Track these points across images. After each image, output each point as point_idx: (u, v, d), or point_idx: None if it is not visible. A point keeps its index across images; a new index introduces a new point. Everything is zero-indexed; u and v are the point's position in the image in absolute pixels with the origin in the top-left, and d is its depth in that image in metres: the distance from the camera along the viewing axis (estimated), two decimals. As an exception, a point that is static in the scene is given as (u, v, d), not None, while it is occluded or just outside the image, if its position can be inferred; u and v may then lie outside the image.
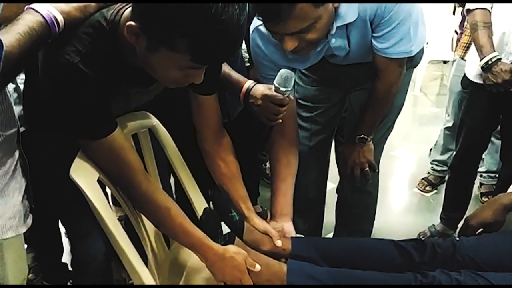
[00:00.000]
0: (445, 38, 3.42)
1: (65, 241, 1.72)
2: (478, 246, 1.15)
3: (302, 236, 1.27)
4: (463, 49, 2.22)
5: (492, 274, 1.04)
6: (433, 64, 4.66)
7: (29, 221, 0.94)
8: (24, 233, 0.94)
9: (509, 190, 1.40)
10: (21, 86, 1.22)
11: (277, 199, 1.28)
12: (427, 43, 4.18)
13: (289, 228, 1.25)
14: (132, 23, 0.80)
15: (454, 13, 3.40)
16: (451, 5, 2.62)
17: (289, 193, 1.28)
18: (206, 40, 0.78)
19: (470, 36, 2.17)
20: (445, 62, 4.76)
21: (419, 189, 2.51)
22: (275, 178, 1.30)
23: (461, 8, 2.56)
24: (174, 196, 1.45)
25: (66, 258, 1.72)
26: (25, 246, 1.76)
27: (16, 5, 0.80)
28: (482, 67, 1.66)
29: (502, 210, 1.26)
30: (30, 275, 1.75)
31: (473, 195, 2.06)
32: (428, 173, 2.55)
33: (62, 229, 1.72)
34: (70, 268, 1.34)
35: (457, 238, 1.20)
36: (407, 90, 1.54)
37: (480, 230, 1.27)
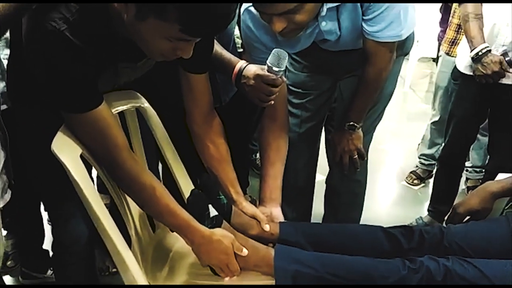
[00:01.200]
0: (434, 36, 3.44)
1: (47, 228, 1.69)
2: (465, 233, 1.15)
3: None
4: (448, 44, 2.25)
5: (480, 261, 1.04)
6: (422, 62, 4.69)
7: (7, 196, 0.91)
8: (4, 219, 0.90)
9: (496, 179, 1.40)
10: (5, 62, 1.18)
11: (266, 183, 1.26)
12: (417, 41, 4.21)
13: (277, 213, 1.23)
14: None
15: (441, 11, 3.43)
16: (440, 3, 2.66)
17: (278, 178, 1.27)
18: (196, 11, 0.76)
19: (455, 31, 2.21)
20: (434, 59, 4.80)
21: (407, 182, 2.53)
22: (264, 163, 1.29)
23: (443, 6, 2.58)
24: (162, 181, 1.43)
25: (47, 245, 1.68)
26: (5, 232, 1.73)
27: None
28: (472, 58, 1.67)
29: (489, 198, 1.27)
30: (9, 262, 1.71)
31: (459, 189, 2.08)
32: (416, 166, 2.58)
33: (44, 215, 1.69)
34: (51, 254, 1.30)
35: (445, 225, 1.20)
36: (397, 78, 1.53)
37: (468, 217, 1.28)
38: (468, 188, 2.43)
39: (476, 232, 1.16)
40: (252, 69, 1.17)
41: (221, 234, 1.03)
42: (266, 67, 1.13)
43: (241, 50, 1.46)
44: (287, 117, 1.37)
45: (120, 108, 1.11)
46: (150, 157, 1.26)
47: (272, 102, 1.18)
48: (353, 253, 1.08)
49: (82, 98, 0.89)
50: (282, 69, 1.12)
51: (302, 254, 1.08)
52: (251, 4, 1.15)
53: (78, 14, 0.82)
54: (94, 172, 1.08)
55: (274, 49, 1.12)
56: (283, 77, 1.16)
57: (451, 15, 2.26)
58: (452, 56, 2.19)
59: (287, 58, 1.12)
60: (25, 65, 0.86)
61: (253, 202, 2.11)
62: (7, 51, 1.20)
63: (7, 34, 1.08)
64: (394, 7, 1.17)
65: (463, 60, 1.80)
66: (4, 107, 1.13)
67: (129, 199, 1.09)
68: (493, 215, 1.29)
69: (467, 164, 2.40)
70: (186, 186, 1.26)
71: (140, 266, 1.04)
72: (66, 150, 0.87)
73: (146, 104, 1.20)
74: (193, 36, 0.83)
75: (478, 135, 2.12)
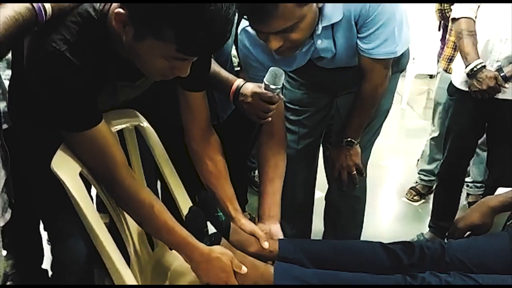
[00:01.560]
0: (431, 53, 3.49)
1: (46, 248, 1.67)
2: (467, 248, 1.14)
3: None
4: (446, 61, 2.28)
5: (482, 276, 1.03)
6: (419, 79, 4.74)
7: (7, 215, 0.91)
8: (4, 239, 0.90)
9: (496, 193, 1.40)
10: (6, 82, 1.19)
11: (265, 200, 1.26)
12: (413, 58, 4.27)
13: (276, 230, 1.23)
14: (121, 10, 0.80)
15: (439, 29, 3.49)
16: (437, 21, 2.71)
17: (277, 195, 1.27)
18: (192, 31, 0.77)
19: (452, 48, 2.25)
20: (431, 76, 4.85)
21: (408, 199, 2.52)
22: (263, 179, 1.29)
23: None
24: (160, 199, 1.43)
25: (46, 265, 1.67)
26: (5, 252, 1.72)
27: None
28: (467, 74, 1.69)
29: (489, 212, 1.26)
30: (8, 283, 1.69)
31: (460, 205, 2.07)
32: (416, 182, 2.57)
33: (43, 234, 1.68)
34: (50, 273, 1.30)
35: (446, 241, 1.19)
36: (393, 95, 1.55)
37: (468, 232, 1.27)
38: (469, 204, 2.42)
39: (478, 247, 1.15)
40: (250, 87, 1.19)
41: (220, 251, 1.03)
42: (263, 85, 1.15)
43: (237, 68, 1.48)
44: (285, 134, 1.38)
45: (119, 127, 1.12)
46: (148, 175, 1.27)
47: (270, 119, 1.20)
48: (353, 270, 1.07)
49: (82, 117, 0.90)
50: (279, 86, 1.14)
51: (302, 271, 1.07)
52: (248, 24, 1.17)
53: (78, 36, 0.84)
54: (93, 191, 1.08)
55: (271, 68, 1.13)
56: (280, 95, 1.18)
57: (448, 32, 2.30)
58: (449, 73, 2.22)
59: (283, 76, 1.14)
60: (27, 85, 0.87)
61: (252, 219, 2.10)
62: (8, 72, 1.21)
63: (9, 55, 1.10)
64: (388, 25, 1.19)
65: (458, 76, 1.82)
66: (5, 126, 1.14)
67: (128, 218, 1.09)
68: (494, 230, 1.28)
69: (468, 179, 2.40)
70: (185, 203, 1.26)
71: (139, 284, 1.03)
72: (66, 168, 0.88)
73: (145, 123, 1.21)
74: (190, 55, 0.84)
75: (478, 150, 2.13)
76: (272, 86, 1.13)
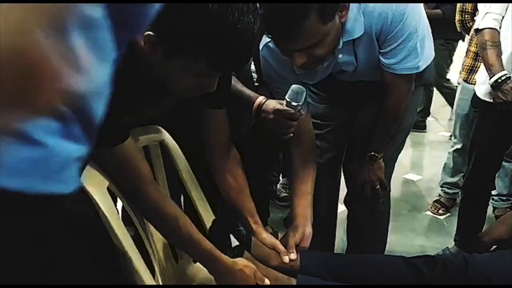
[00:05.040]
0: (455, 64, 3.45)
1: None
2: (491, 262, 1.12)
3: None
4: (466, 72, 2.26)
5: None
6: (444, 90, 4.68)
7: None
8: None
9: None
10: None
11: (298, 200, 1.26)
12: (438, 70, 4.22)
13: (310, 231, 1.23)
14: (150, 33, 0.82)
15: (463, 40, 3.47)
16: (459, 31, 2.71)
17: (309, 196, 1.27)
18: (222, 48, 0.81)
19: (472, 59, 2.23)
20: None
21: (432, 212, 2.48)
22: (294, 181, 1.30)
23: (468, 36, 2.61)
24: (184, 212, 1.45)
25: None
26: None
27: None
28: (491, 86, 1.67)
29: (515, 226, 1.24)
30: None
31: (487, 219, 2.02)
32: (439, 195, 2.53)
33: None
34: None
35: (469, 255, 1.17)
36: (416, 109, 1.54)
37: (494, 247, 1.25)
38: (496, 217, 2.36)
39: (503, 261, 1.13)
40: (272, 104, 1.22)
41: (243, 264, 1.04)
42: (284, 102, 1.17)
43: (256, 84, 1.51)
44: (314, 141, 1.39)
45: (145, 143, 1.16)
46: (172, 189, 1.30)
47: (292, 135, 1.21)
48: (374, 283, 1.07)
49: (110, 134, 0.93)
50: (300, 103, 1.16)
51: (324, 285, 1.07)
52: (269, 40, 1.20)
53: None
54: (119, 205, 1.11)
55: (292, 85, 1.16)
56: (302, 111, 1.20)
57: (468, 43, 2.28)
58: (471, 83, 2.20)
59: (305, 93, 1.17)
60: None
61: (274, 233, 2.11)
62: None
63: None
64: (410, 40, 1.19)
65: (482, 87, 1.80)
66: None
67: (152, 230, 1.11)
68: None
69: (493, 192, 2.34)
70: (208, 217, 1.28)
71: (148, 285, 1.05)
72: (94, 183, 0.91)
73: (169, 139, 1.24)
74: (220, 72, 0.88)
75: (503, 162, 2.08)
76: (293, 103, 1.16)
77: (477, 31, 1.78)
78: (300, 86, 1.16)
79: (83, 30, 0.40)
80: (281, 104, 1.19)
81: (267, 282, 1.05)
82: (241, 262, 1.05)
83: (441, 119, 4.32)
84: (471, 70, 2.22)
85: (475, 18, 2.36)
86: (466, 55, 2.27)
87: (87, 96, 0.47)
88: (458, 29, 2.60)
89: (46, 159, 0.47)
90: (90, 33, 0.41)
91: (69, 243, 0.54)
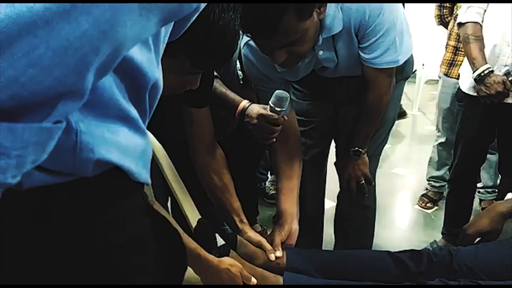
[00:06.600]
0: (440, 58, 3.49)
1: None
2: (475, 255, 1.13)
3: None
4: (446, 66, 2.28)
5: (491, 283, 1.02)
6: (430, 84, 4.70)
7: None
8: None
9: (506, 198, 1.39)
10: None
11: (284, 197, 1.27)
12: (423, 64, 4.25)
13: (297, 227, 1.24)
14: None
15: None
16: (437, 26, 2.72)
17: (294, 192, 1.28)
18: (204, 46, 0.80)
19: (452, 53, 2.25)
20: (442, 81, 4.82)
21: (420, 206, 2.49)
22: (280, 178, 1.30)
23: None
24: (171, 214, 1.44)
25: None
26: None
27: None
28: (475, 79, 1.69)
29: (499, 218, 1.25)
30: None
31: (473, 211, 2.04)
32: (427, 189, 2.54)
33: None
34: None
35: (454, 248, 1.18)
36: (399, 103, 1.55)
37: (478, 239, 1.26)
38: (483, 210, 2.38)
39: (487, 254, 1.14)
40: (255, 108, 1.22)
41: (229, 263, 1.04)
42: (268, 107, 1.17)
43: (242, 82, 1.50)
44: (299, 138, 1.39)
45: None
46: (157, 190, 1.29)
47: (274, 140, 1.22)
48: (361, 279, 1.08)
49: None
50: (284, 109, 1.17)
51: (310, 281, 1.08)
52: (250, 38, 1.19)
53: None
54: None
55: (276, 91, 1.17)
56: (285, 117, 1.20)
57: (447, 37, 2.30)
58: (451, 77, 2.22)
59: (289, 99, 1.17)
60: None
61: (263, 231, 2.11)
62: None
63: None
64: (388, 34, 1.20)
65: (466, 81, 1.81)
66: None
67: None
68: (504, 236, 1.27)
69: (478, 185, 2.36)
70: (194, 218, 1.27)
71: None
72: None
73: (153, 140, 1.23)
74: (203, 69, 0.88)
75: (487, 154, 2.10)
76: (277, 109, 1.17)
77: (460, 25, 1.79)
78: (284, 92, 1.17)
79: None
80: (265, 109, 1.19)
81: (253, 281, 1.05)
82: (227, 261, 1.04)
83: (428, 113, 4.36)
84: (451, 64, 2.24)
85: (453, 12, 2.39)
86: (446, 49, 2.29)
87: None
88: (437, 24, 2.62)
89: (147, 149, 0.54)
90: None
91: (149, 225, 0.58)
